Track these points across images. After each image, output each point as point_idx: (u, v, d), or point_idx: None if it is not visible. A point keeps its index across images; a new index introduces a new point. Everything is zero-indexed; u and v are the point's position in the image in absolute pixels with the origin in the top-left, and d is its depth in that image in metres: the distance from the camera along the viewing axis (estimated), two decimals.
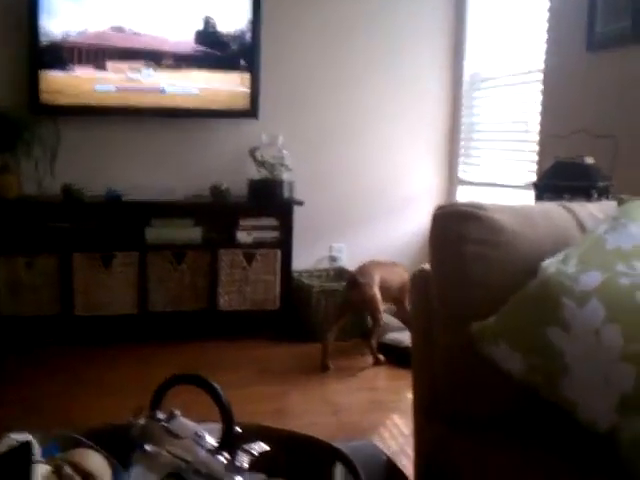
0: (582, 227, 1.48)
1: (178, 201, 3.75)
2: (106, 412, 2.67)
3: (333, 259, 4.22)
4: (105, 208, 3.69)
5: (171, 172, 3.98)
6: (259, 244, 3.79)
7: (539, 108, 3.37)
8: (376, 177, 4.25)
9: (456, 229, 1.45)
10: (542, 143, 3.33)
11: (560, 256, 1.29)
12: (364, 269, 3.46)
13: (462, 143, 4.24)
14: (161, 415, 1.18)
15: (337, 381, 3.19)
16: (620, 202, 1.44)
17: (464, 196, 4.22)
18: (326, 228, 4.21)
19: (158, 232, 3.70)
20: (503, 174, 3.75)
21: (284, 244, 3.81)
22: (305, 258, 4.14)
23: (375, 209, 4.27)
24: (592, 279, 1.20)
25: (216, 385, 1.14)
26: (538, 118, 3.38)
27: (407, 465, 2.20)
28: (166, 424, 1.17)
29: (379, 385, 3.16)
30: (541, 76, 3.36)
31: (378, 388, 3.12)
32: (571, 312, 1.16)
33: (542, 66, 3.34)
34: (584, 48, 3.00)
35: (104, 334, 3.63)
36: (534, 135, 3.42)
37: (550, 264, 1.27)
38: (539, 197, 2.35)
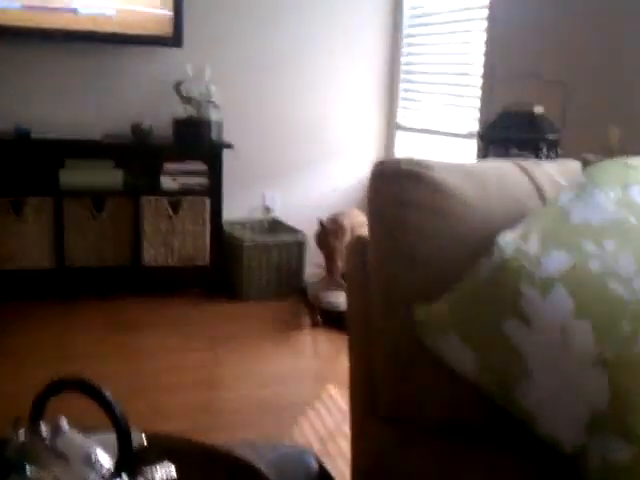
0: (541, 194, 1.30)
1: (95, 140, 3.41)
2: (23, 384, 2.43)
3: (267, 209, 3.99)
4: (13, 147, 3.33)
5: (87, 107, 3.62)
6: (186, 191, 3.51)
7: (483, 48, 3.17)
8: (311, 120, 4.00)
9: (395, 191, 1.25)
10: (486, 88, 3.15)
11: (519, 230, 1.11)
12: (335, 216, 3.35)
13: (402, 86, 4.01)
14: (45, 428, 0.97)
15: (271, 346, 3.00)
16: (585, 163, 1.27)
17: (403, 142, 4.03)
18: (258, 174, 3.95)
19: (74, 175, 3.39)
20: (445, 121, 3.56)
21: (213, 191, 3.55)
22: (237, 207, 3.90)
23: (310, 155, 4.04)
24: (557, 262, 1.03)
25: (107, 394, 0.93)
26: (482, 59, 3.19)
27: (344, 447, 2.07)
28: (51, 441, 0.96)
29: (315, 351, 3.00)
30: (486, 12, 3.14)
31: (314, 354, 2.96)
32: (532, 303, 0.99)
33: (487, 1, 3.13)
34: None
35: (16, 290, 3.34)
36: (477, 79, 3.23)
37: (508, 241, 1.09)
38: (484, 149, 2.18)
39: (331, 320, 3.25)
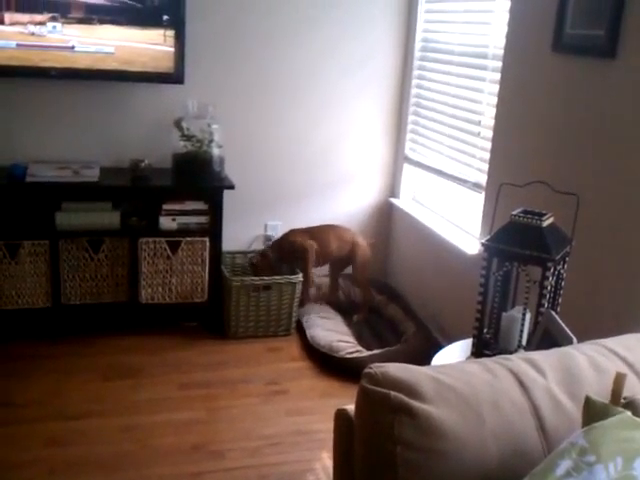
0: (540, 422, 1.25)
1: (92, 182, 3.32)
2: (17, 443, 2.44)
3: (268, 238, 3.92)
4: (8, 190, 3.25)
5: (84, 143, 3.56)
6: (185, 231, 3.44)
7: (494, 100, 3.04)
8: (316, 151, 3.89)
9: (386, 423, 1.20)
10: (495, 142, 3.03)
11: None
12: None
13: (410, 119, 3.87)
14: None
15: (264, 401, 2.98)
16: (588, 404, 1.18)
17: (411, 175, 3.92)
18: (260, 205, 3.88)
19: (70, 217, 3.31)
20: (452, 164, 3.44)
21: (213, 231, 3.47)
22: (238, 237, 3.85)
23: (313, 184, 3.94)
24: None
25: None
26: (493, 111, 3.05)
27: None
28: None
29: (309, 406, 2.95)
30: (499, 64, 2.99)
31: (308, 410, 2.92)
32: None
33: (501, 53, 2.97)
34: (549, 47, 2.65)
35: (9, 331, 3.32)
36: (487, 130, 3.10)
37: None
38: (488, 260, 2.10)
39: (324, 363, 3.27)
